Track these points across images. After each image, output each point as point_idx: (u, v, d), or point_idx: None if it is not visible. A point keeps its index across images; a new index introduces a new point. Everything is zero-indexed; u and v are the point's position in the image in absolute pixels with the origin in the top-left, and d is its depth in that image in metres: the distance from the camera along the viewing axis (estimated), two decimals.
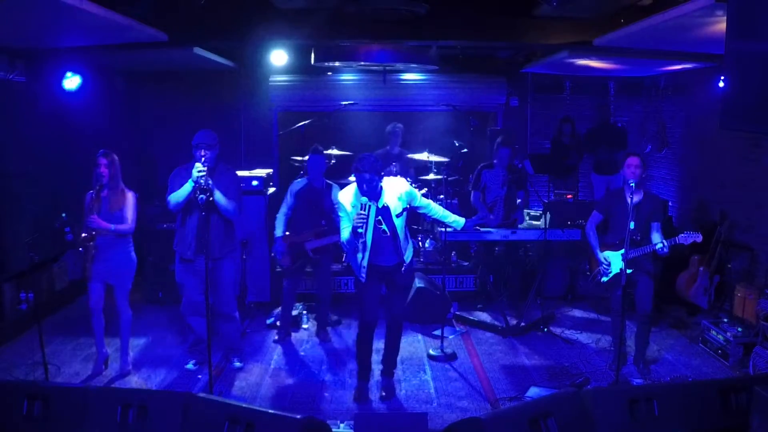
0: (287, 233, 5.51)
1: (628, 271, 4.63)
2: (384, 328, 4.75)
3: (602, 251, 4.96)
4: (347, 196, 4.34)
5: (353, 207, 4.26)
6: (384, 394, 4.65)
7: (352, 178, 4.54)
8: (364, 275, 4.41)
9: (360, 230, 4.15)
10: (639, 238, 4.74)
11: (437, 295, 6.08)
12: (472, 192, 6.37)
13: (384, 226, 4.34)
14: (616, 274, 4.84)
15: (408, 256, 4.53)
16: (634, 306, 5.00)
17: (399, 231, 4.39)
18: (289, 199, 5.54)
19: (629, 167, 4.70)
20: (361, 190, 4.24)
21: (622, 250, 4.59)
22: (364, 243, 4.30)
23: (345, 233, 4.32)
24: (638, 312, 4.92)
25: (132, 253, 4.81)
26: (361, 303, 4.59)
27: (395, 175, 6.18)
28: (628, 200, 4.73)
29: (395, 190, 4.37)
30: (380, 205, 4.30)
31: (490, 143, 7.66)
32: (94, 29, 4.64)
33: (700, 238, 4.56)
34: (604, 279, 4.98)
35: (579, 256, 6.71)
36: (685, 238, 4.55)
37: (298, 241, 5.51)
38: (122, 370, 4.93)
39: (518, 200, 6.53)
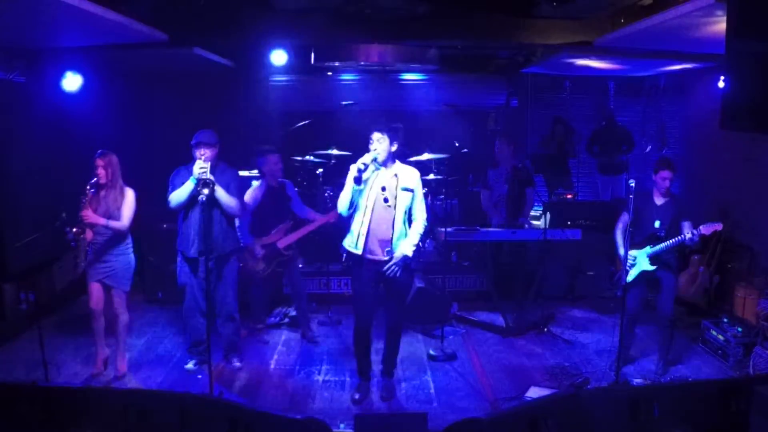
0: (258, 238, 5.46)
1: (652, 268, 4.78)
2: (383, 328, 4.77)
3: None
4: (358, 161, 4.30)
5: (361, 164, 4.25)
6: (384, 394, 4.65)
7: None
8: (362, 246, 4.34)
9: (362, 168, 4.19)
10: (663, 234, 4.80)
11: (437, 295, 6.08)
12: (482, 192, 6.36)
13: (387, 194, 4.33)
14: (638, 275, 4.88)
15: (398, 245, 4.39)
16: (649, 307, 5.07)
17: (399, 207, 4.35)
18: (251, 204, 5.42)
19: (664, 180, 4.79)
20: (371, 148, 4.29)
21: (647, 248, 4.77)
22: (365, 207, 4.30)
23: (343, 195, 4.34)
24: (659, 316, 4.96)
25: (130, 254, 4.77)
26: (355, 309, 4.59)
27: None
28: (655, 202, 4.87)
29: (408, 171, 4.45)
30: (391, 172, 4.36)
31: (491, 143, 7.67)
32: (94, 29, 4.64)
33: (720, 227, 4.63)
34: (630, 278, 4.93)
35: (579, 256, 6.72)
36: (707, 228, 4.62)
37: (269, 242, 5.49)
38: (118, 372, 4.91)
39: (534, 201, 6.51)
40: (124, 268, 4.75)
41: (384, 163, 4.36)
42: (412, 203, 4.45)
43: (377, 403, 4.58)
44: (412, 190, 4.41)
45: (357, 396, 4.60)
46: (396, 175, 4.38)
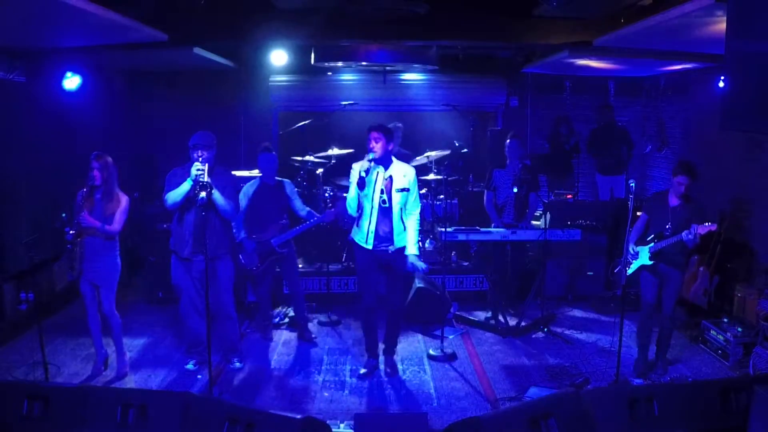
0: (252, 235, 5.46)
1: (650, 262, 4.85)
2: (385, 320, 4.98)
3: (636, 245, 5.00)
4: (358, 164, 4.69)
5: (362, 171, 4.60)
6: (388, 370, 4.96)
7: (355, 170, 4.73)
8: (371, 243, 4.70)
9: (363, 175, 4.55)
10: (669, 233, 4.81)
11: (437, 295, 6.07)
12: (485, 192, 6.30)
13: (384, 196, 4.68)
14: (640, 267, 4.92)
15: (401, 241, 4.77)
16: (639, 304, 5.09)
17: (395, 207, 4.70)
18: (243, 202, 5.41)
19: (679, 185, 4.78)
20: (369, 148, 4.60)
21: (651, 244, 4.84)
22: (371, 207, 4.67)
23: (350, 199, 4.74)
24: (662, 314, 4.97)
25: (117, 257, 4.78)
26: (361, 289, 5.03)
27: None
28: (670, 204, 4.87)
29: (403, 169, 4.77)
30: (386, 174, 4.67)
31: (491, 144, 7.67)
32: (94, 29, 4.64)
33: (714, 227, 4.65)
34: (630, 270, 4.97)
35: (579, 256, 6.71)
36: (702, 228, 4.63)
37: (264, 239, 5.49)
38: (119, 372, 4.91)
39: (537, 206, 6.47)
40: (110, 270, 4.76)
41: (381, 161, 4.67)
42: (407, 200, 4.76)
43: (378, 400, 4.60)
44: (407, 190, 4.72)
45: (363, 370, 4.97)
46: (390, 177, 4.70)
